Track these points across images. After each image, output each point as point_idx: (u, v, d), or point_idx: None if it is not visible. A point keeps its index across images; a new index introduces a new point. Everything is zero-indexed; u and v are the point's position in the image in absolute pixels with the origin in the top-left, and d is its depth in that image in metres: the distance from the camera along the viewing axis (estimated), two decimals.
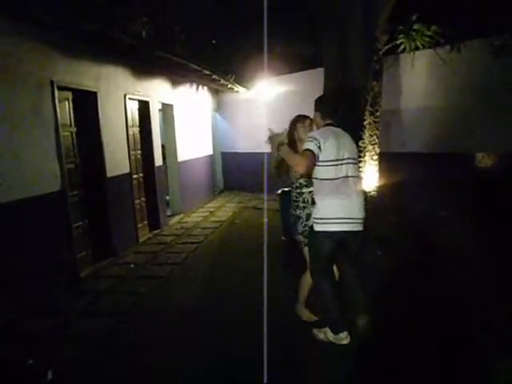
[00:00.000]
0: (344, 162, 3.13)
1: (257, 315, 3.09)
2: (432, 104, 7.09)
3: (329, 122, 3.33)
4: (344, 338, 3.24)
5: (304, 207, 3.50)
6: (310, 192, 3.42)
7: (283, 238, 5.34)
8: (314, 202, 3.32)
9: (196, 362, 3.17)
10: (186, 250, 6.14)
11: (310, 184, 3.41)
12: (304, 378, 2.93)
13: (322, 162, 3.09)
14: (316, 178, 3.19)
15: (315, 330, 3.43)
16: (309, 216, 3.40)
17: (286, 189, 5.74)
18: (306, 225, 3.46)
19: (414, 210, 6.14)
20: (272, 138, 3.43)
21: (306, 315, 3.71)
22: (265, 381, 2.63)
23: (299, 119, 3.68)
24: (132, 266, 5.53)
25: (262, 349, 2.71)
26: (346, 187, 3.12)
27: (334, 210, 3.10)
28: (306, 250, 3.47)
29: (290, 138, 3.66)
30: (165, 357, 3.27)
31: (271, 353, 2.78)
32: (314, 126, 3.56)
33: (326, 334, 3.32)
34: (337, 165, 3.11)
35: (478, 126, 6.35)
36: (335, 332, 3.26)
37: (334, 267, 3.46)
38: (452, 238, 5.36)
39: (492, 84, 6.15)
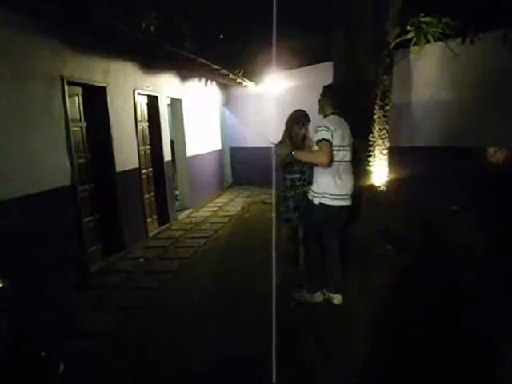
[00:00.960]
0: (345, 148, 3.63)
1: (267, 310, 3.09)
2: (443, 98, 7.01)
3: (336, 111, 3.70)
4: (318, 297, 3.87)
5: (283, 190, 4.15)
6: (292, 179, 4.08)
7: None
8: (292, 188, 4.07)
9: (204, 357, 3.18)
10: (195, 244, 6.16)
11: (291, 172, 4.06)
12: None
13: (333, 146, 3.53)
14: None
15: (294, 293, 3.95)
16: (286, 198, 4.12)
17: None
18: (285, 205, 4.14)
19: (424, 205, 6.09)
20: (278, 149, 3.65)
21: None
22: (274, 381, 2.62)
23: (297, 120, 4.09)
24: (141, 260, 5.57)
25: (271, 346, 2.71)
26: (344, 169, 3.66)
27: (333, 188, 3.61)
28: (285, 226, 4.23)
29: (289, 135, 4.11)
30: (173, 352, 3.28)
31: (280, 350, 2.77)
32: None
33: (302, 295, 3.90)
34: (340, 150, 3.59)
35: (489, 120, 6.27)
36: (311, 291, 3.88)
37: None
38: (462, 233, 5.32)
39: (504, 77, 6.06)
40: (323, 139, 3.47)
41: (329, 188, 3.63)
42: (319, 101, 3.86)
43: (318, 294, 3.89)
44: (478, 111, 6.43)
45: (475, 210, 5.69)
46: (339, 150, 3.58)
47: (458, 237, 5.28)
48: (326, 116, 3.74)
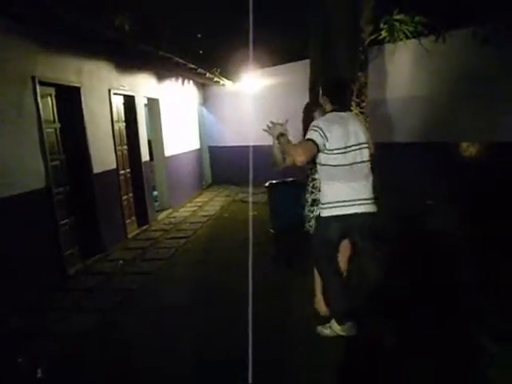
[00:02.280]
0: (352, 148, 3.02)
1: (245, 310, 3.09)
2: (417, 94, 7.11)
3: (335, 107, 3.16)
4: (351, 328, 3.15)
5: (312, 192, 3.47)
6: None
7: (271, 230, 5.35)
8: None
9: (180, 359, 3.15)
10: (175, 245, 6.12)
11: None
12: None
13: (330, 150, 2.98)
14: (324, 165, 3.06)
15: (319, 327, 3.30)
16: (314, 201, 3.40)
17: (275, 181, 5.75)
18: (309, 210, 3.46)
19: (402, 200, 6.18)
20: (273, 128, 3.25)
21: (323, 310, 3.48)
22: (250, 381, 2.61)
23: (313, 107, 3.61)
24: (121, 262, 5.50)
25: (248, 346, 2.70)
26: (354, 172, 3.03)
27: (341, 194, 3.02)
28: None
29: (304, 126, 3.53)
30: (150, 354, 3.24)
31: (259, 351, 2.76)
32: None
33: (332, 328, 3.21)
34: (345, 152, 2.99)
35: (462, 115, 6.39)
36: (341, 323, 3.15)
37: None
38: (438, 226, 5.41)
39: (477, 73, 6.19)
40: (308, 139, 2.99)
41: (338, 194, 3.05)
42: (319, 101, 3.48)
43: (348, 324, 3.17)
44: (451, 107, 6.55)
45: (449, 204, 5.79)
46: (344, 152, 2.99)
47: (433, 228, 5.37)
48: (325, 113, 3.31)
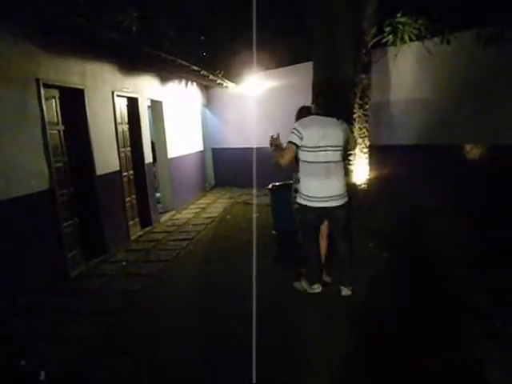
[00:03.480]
0: (325, 148, 3.58)
1: (248, 311, 3.09)
2: (421, 96, 7.10)
3: (318, 111, 3.72)
4: (316, 288, 3.92)
5: (295, 182, 4.10)
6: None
7: (274, 232, 5.35)
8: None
9: (185, 362, 3.14)
10: (178, 246, 6.12)
11: None
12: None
13: (304, 147, 3.59)
14: (302, 161, 3.69)
15: (295, 282, 4.12)
16: (296, 190, 4.02)
17: (277, 183, 5.76)
18: (293, 196, 4.15)
19: (404, 202, 6.16)
20: (271, 140, 3.77)
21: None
22: (254, 381, 2.61)
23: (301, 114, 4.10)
24: (123, 263, 5.51)
25: (251, 349, 2.70)
26: (325, 170, 3.60)
27: (312, 190, 3.64)
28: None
29: None
30: (154, 357, 3.24)
31: (262, 353, 2.76)
32: None
33: (302, 285, 4.03)
34: (316, 151, 3.57)
35: (466, 117, 6.37)
36: (310, 283, 3.94)
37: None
38: (440, 229, 5.40)
39: (480, 75, 6.17)
40: (289, 141, 3.63)
41: (306, 189, 3.71)
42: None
43: (315, 285, 3.95)
44: (455, 109, 6.53)
45: (453, 206, 5.78)
46: (315, 150, 3.58)
47: (437, 233, 5.36)
48: None
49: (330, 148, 3.59)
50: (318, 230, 3.99)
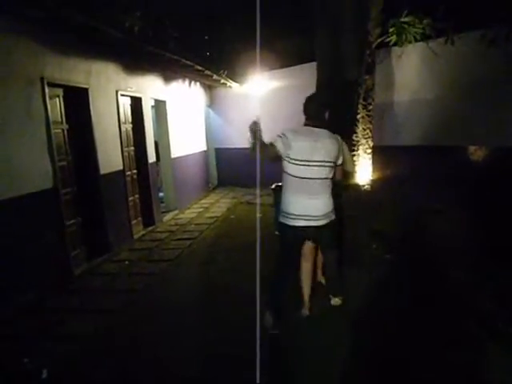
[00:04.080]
0: (316, 163, 3.14)
1: (252, 312, 3.09)
2: (425, 97, 7.09)
3: (310, 122, 3.28)
4: (270, 327, 3.36)
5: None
6: None
7: (277, 232, 5.33)
8: None
9: (186, 362, 3.14)
10: (181, 246, 6.13)
11: None
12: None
13: (291, 159, 3.14)
14: (286, 173, 3.24)
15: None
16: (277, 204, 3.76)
17: (280, 183, 5.73)
18: (275, 211, 3.92)
19: (408, 203, 6.15)
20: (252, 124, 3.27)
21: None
22: (257, 381, 2.61)
23: None
24: (126, 262, 5.52)
25: (255, 351, 2.70)
26: (311, 187, 3.17)
27: (297, 207, 3.20)
28: None
29: None
30: (156, 356, 3.25)
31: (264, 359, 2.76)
32: None
33: (267, 316, 3.39)
34: (306, 165, 3.13)
35: (470, 118, 6.36)
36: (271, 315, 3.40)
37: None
38: (444, 231, 5.38)
39: (485, 76, 6.16)
40: (270, 143, 3.17)
41: (286, 206, 3.28)
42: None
43: (269, 319, 3.41)
44: (459, 110, 6.52)
45: (457, 207, 5.76)
46: (305, 164, 3.13)
47: (440, 234, 5.34)
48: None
49: (319, 163, 3.15)
50: (298, 253, 3.55)
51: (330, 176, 3.25)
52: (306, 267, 3.71)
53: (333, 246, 3.52)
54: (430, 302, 3.80)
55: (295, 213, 3.21)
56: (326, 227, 3.26)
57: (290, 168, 3.19)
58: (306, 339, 3.34)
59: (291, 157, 3.14)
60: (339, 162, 3.32)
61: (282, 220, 3.32)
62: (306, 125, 3.29)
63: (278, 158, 3.22)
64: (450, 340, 3.18)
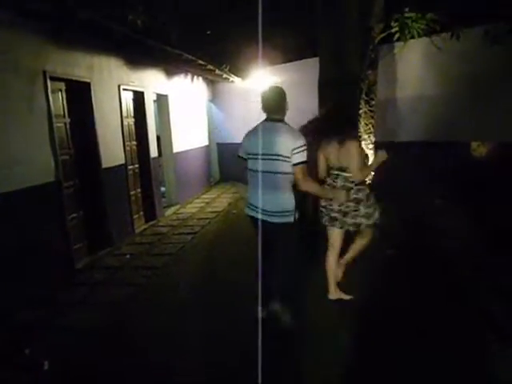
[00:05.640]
0: (264, 157, 3.15)
1: (254, 305, 3.11)
2: (427, 93, 7.07)
3: (269, 115, 3.27)
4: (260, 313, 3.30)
5: None
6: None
7: None
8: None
9: (189, 358, 3.15)
10: (182, 240, 6.15)
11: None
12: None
13: (247, 154, 3.34)
14: (247, 168, 3.40)
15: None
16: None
17: None
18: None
19: (410, 199, 6.15)
20: None
21: (337, 295, 3.85)
22: (259, 381, 2.62)
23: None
24: (128, 256, 5.54)
25: (257, 343, 2.71)
26: (264, 181, 3.19)
27: (252, 199, 3.34)
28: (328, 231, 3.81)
29: None
30: (157, 349, 3.27)
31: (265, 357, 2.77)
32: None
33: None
34: (255, 158, 3.23)
35: (473, 114, 6.34)
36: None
37: None
38: (446, 226, 5.38)
39: (488, 72, 6.14)
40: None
41: (250, 198, 3.39)
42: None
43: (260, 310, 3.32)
44: (462, 106, 6.51)
45: (459, 203, 5.76)
46: (254, 158, 3.23)
47: (442, 230, 5.34)
48: None
49: (267, 157, 3.13)
50: (267, 250, 3.25)
51: (286, 171, 3.12)
52: (330, 258, 3.81)
53: (288, 257, 3.30)
54: (432, 300, 3.81)
55: (253, 204, 3.34)
56: (281, 227, 3.20)
57: (248, 163, 3.36)
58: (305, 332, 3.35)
59: (247, 152, 3.32)
60: (294, 160, 3.07)
61: (246, 210, 3.48)
62: (265, 120, 3.29)
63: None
64: (454, 339, 3.17)
